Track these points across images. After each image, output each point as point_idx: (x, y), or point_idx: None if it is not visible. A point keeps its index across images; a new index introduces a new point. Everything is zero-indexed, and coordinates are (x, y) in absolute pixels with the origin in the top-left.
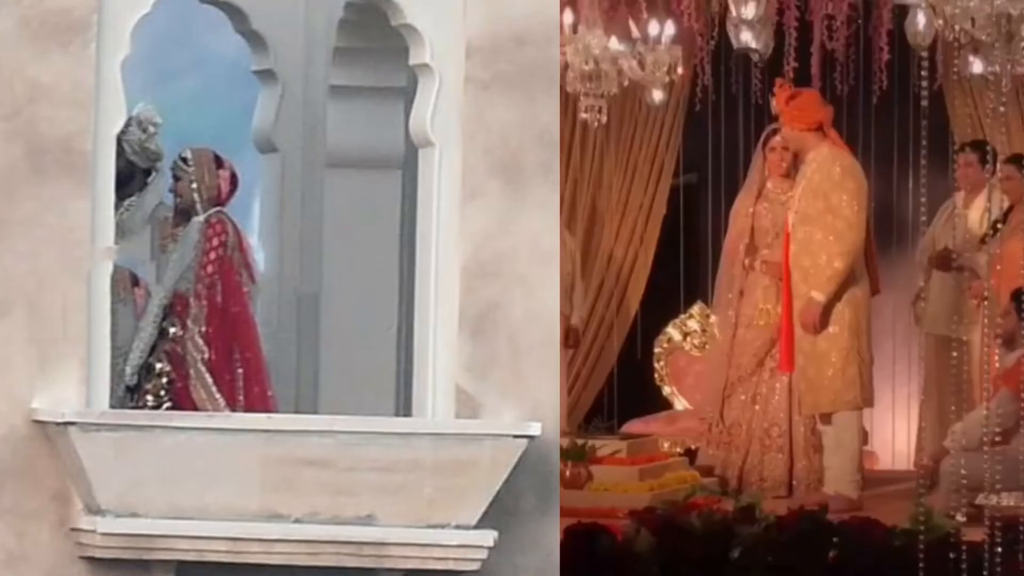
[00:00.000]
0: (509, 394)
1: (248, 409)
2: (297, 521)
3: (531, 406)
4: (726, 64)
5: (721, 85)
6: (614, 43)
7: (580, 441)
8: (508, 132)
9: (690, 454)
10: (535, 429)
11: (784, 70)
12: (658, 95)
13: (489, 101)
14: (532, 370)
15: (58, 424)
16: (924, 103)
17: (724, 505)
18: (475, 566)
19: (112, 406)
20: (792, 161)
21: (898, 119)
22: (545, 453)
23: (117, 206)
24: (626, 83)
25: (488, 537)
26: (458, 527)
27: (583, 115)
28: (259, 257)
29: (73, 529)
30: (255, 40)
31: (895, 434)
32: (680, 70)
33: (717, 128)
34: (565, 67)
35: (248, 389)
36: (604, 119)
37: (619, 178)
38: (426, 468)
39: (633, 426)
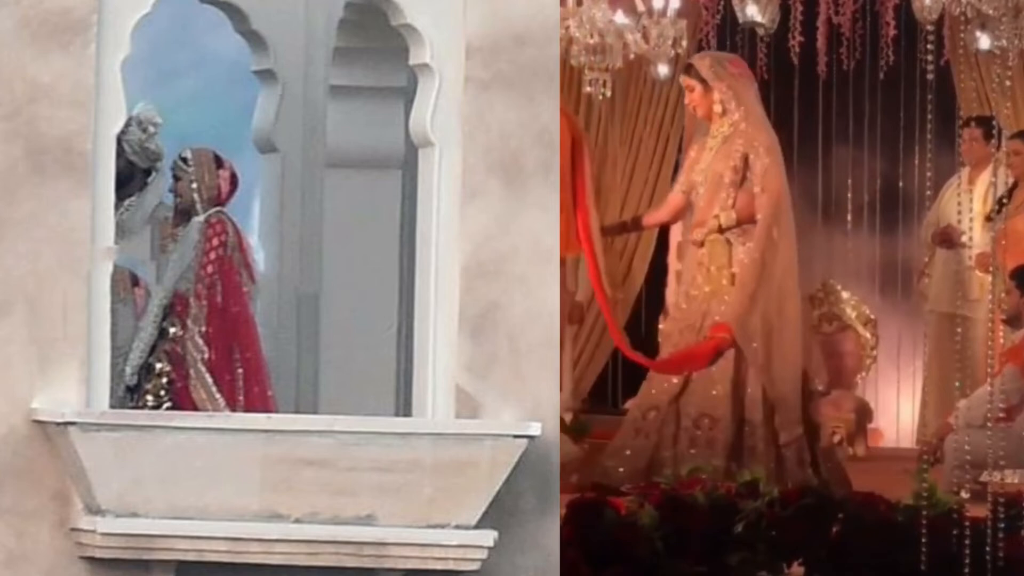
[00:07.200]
0: (509, 394)
1: (248, 409)
2: (297, 521)
3: (531, 406)
4: (732, 38)
5: None
6: (619, 16)
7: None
8: (508, 132)
9: None
10: (535, 429)
11: (790, 44)
12: (663, 69)
13: (489, 101)
14: (532, 370)
15: (58, 424)
16: (930, 78)
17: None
18: (475, 566)
19: (112, 406)
20: None
21: (904, 94)
22: (545, 453)
23: (117, 206)
24: (631, 56)
25: (488, 537)
26: (458, 527)
27: (587, 89)
28: (259, 257)
29: (73, 529)
30: (255, 40)
31: (899, 411)
32: (685, 44)
33: None
34: (569, 40)
35: (248, 389)
36: (608, 93)
37: (624, 152)
38: (426, 468)
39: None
